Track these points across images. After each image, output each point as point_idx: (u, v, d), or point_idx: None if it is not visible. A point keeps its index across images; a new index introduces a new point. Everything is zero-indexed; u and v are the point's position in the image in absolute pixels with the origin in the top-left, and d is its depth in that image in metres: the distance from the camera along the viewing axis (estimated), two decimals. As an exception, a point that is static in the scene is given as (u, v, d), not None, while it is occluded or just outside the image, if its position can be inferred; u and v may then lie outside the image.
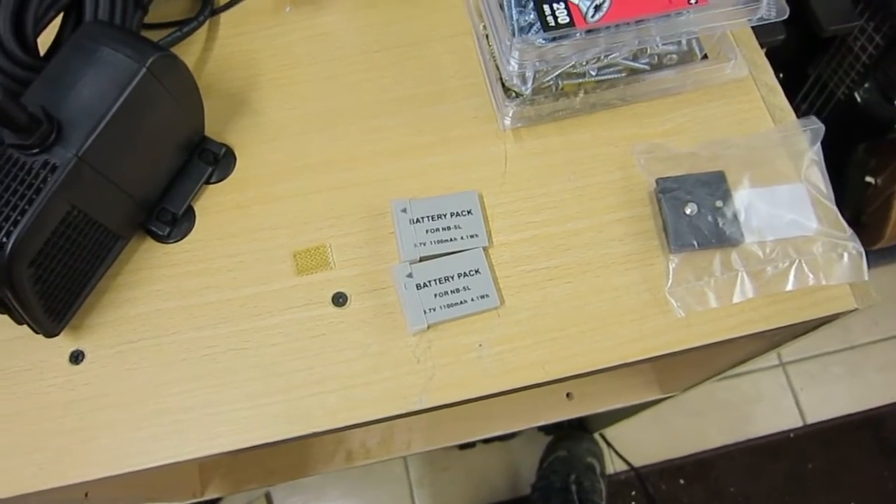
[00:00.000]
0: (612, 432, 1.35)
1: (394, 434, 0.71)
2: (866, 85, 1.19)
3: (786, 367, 1.46)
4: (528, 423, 0.74)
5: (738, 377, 1.44)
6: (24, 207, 0.36)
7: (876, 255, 1.55)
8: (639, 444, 1.36)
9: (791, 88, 1.25)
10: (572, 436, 1.29)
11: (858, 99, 1.20)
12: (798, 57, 1.25)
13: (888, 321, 1.48)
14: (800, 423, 1.41)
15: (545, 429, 1.36)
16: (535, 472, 1.32)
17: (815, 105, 1.26)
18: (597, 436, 1.33)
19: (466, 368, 0.40)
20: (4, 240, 0.36)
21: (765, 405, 1.42)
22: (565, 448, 1.28)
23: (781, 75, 1.43)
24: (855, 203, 1.35)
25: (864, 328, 1.47)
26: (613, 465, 1.36)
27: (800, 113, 1.26)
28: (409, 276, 0.40)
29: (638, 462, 1.35)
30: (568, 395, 0.74)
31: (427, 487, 1.34)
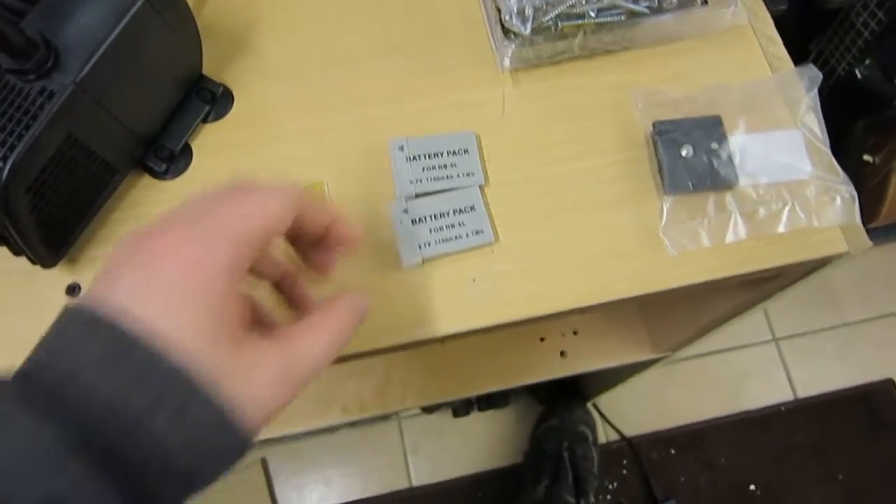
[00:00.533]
0: (605, 402, 1.36)
1: (389, 387, 0.72)
2: (867, 62, 1.18)
3: (779, 342, 1.47)
4: (522, 381, 0.74)
5: (731, 351, 1.45)
6: (20, 133, 0.36)
7: (871, 234, 1.56)
8: (631, 414, 1.37)
9: (792, 63, 1.25)
10: (565, 404, 1.31)
11: (859, 75, 1.20)
12: (800, 31, 1.25)
13: (882, 300, 1.49)
14: (791, 398, 1.42)
15: (538, 397, 1.37)
16: (527, 440, 1.33)
17: (816, 80, 1.26)
18: (590, 405, 1.34)
19: (459, 301, 0.40)
20: (1, 164, 0.36)
21: (757, 379, 1.43)
22: (558, 416, 1.29)
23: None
24: (852, 180, 1.35)
25: (858, 306, 1.48)
26: (606, 435, 1.37)
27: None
28: (405, 211, 0.41)
29: (630, 432, 1.36)
30: (562, 353, 0.75)
31: (421, 454, 1.36)
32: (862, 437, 1.39)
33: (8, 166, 0.36)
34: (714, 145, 0.42)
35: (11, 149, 0.36)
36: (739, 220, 0.41)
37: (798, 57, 1.41)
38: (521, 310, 0.40)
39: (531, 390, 1.39)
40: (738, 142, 0.43)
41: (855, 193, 0.41)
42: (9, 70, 0.37)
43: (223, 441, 0.25)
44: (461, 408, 1.32)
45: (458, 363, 0.73)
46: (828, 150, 0.43)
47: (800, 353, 1.46)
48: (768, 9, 0.49)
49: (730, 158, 0.42)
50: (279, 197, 0.28)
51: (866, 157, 1.32)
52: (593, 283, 0.41)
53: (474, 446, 1.36)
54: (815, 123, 0.43)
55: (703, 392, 1.42)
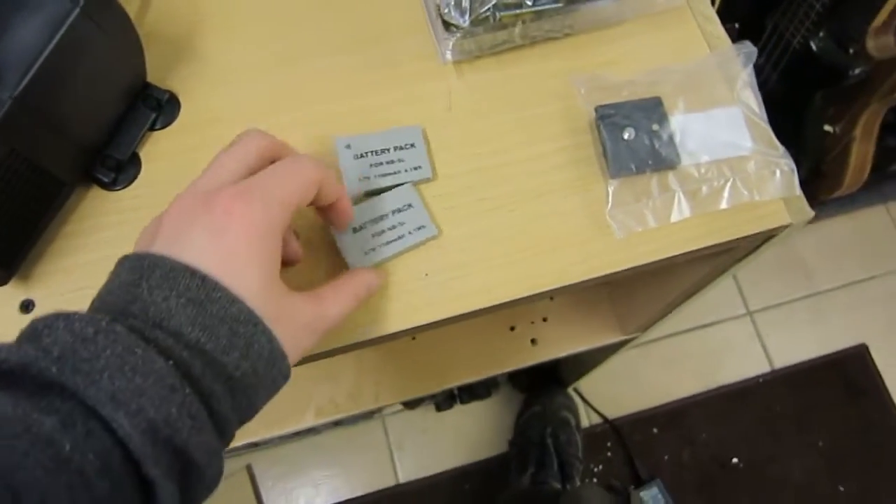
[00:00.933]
0: (585, 386, 1.38)
1: (361, 387, 0.72)
2: (821, 34, 1.20)
3: (752, 315, 1.50)
4: (495, 371, 0.75)
5: (707, 328, 1.48)
6: (-39, 152, 0.36)
7: (836, 204, 1.59)
8: (612, 396, 1.39)
9: (748, 39, 1.26)
10: (547, 391, 1.32)
11: (814, 47, 1.22)
12: (755, 8, 1.26)
13: (850, 267, 1.52)
14: (767, 369, 1.45)
15: (520, 386, 1.38)
16: (512, 430, 1.35)
17: (773, 56, 1.27)
18: (571, 391, 1.36)
19: (413, 297, 0.41)
20: (-59, 184, 0.36)
21: (733, 353, 1.46)
22: (540, 403, 1.30)
23: (737, 25, 1.44)
24: (814, 152, 1.37)
25: (828, 274, 1.51)
26: (589, 419, 1.39)
27: (757, 65, 1.28)
28: None
29: (612, 414, 1.38)
30: (532, 340, 0.76)
31: (407, 450, 1.36)
32: (839, 404, 1.42)
33: (-53, 184, 0.36)
34: (655, 126, 0.43)
35: (-49, 169, 0.36)
36: (683, 198, 0.42)
37: (754, 32, 1.42)
38: (476, 300, 0.41)
39: (512, 379, 1.40)
40: (679, 122, 0.44)
41: (794, 166, 0.42)
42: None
43: (275, 371, 0.31)
44: (444, 401, 1.33)
45: (430, 357, 0.74)
46: (766, 125, 0.44)
47: (774, 325, 1.49)
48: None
49: (671, 139, 0.43)
50: (315, 169, 0.34)
51: (827, 128, 1.34)
52: (545, 270, 0.41)
53: (459, 439, 1.37)
54: (751, 99, 0.44)
55: (680, 370, 1.44)
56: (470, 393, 1.32)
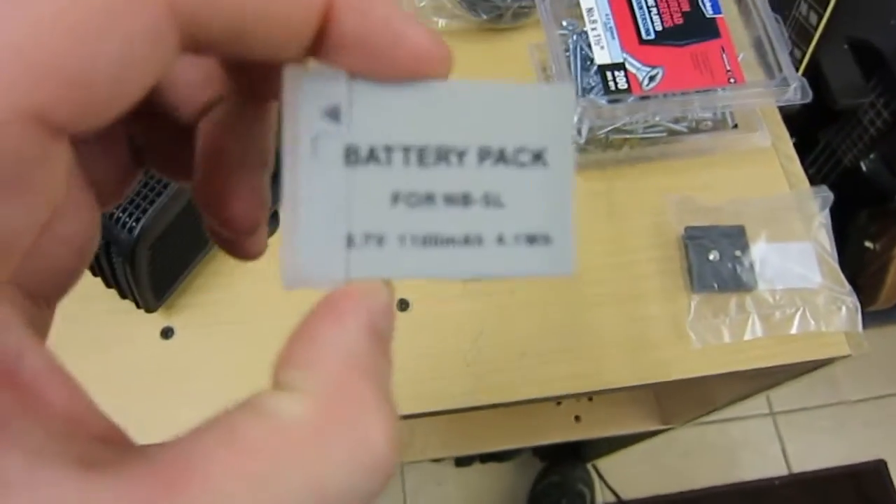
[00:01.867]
0: (603, 465, 1.40)
1: (415, 436, 0.77)
2: (872, 156, 1.26)
3: (775, 416, 1.51)
4: (537, 441, 0.79)
5: (729, 422, 1.50)
6: (152, 199, 0.43)
7: (869, 317, 1.61)
8: (629, 478, 1.41)
9: (802, 152, 1.32)
10: (566, 463, 1.34)
11: (864, 168, 1.27)
12: (811, 123, 1.33)
13: (876, 381, 1.54)
14: (785, 472, 1.46)
15: (540, 454, 1.40)
16: (527, 495, 1.37)
17: (823, 170, 1.33)
18: (589, 466, 1.38)
19: (509, 375, 0.46)
20: (134, 224, 0.42)
21: (752, 451, 1.47)
22: (559, 474, 1.33)
23: (794, 139, 1.50)
24: (853, 265, 1.42)
25: (853, 386, 1.53)
26: (603, 496, 1.40)
27: (808, 175, 1.34)
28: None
29: (626, 495, 1.39)
30: (576, 417, 0.80)
31: (421, 499, 1.39)
32: (852, 517, 1.43)
33: (139, 227, 0.42)
34: (738, 253, 0.48)
35: (144, 212, 0.43)
36: (757, 320, 0.47)
37: (808, 144, 1.48)
38: (563, 386, 0.46)
39: (534, 447, 1.42)
40: (759, 250, 0.49)
41: (858, 304, 0.48)
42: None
43: None
44: (464, 458, 1.36)
45: (478, 420, 0.78)
46: (836, 265, 0.49)
47: (795, 428, 1.50)
48: (783, 107, 0.54)
49: (751, 265, 0.48)
50: None
51: (867, 244, 1.39)
52: (626, 367, 0.47)
53: (474, 497, 1.39)
54: (825, 239, 0.50)
55: (699, 460, 1.46)
56: (491, 453, 1.35)
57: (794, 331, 0.47)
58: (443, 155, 0.14)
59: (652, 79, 0.45)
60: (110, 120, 0.11)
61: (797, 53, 1.09)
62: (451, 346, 0.47)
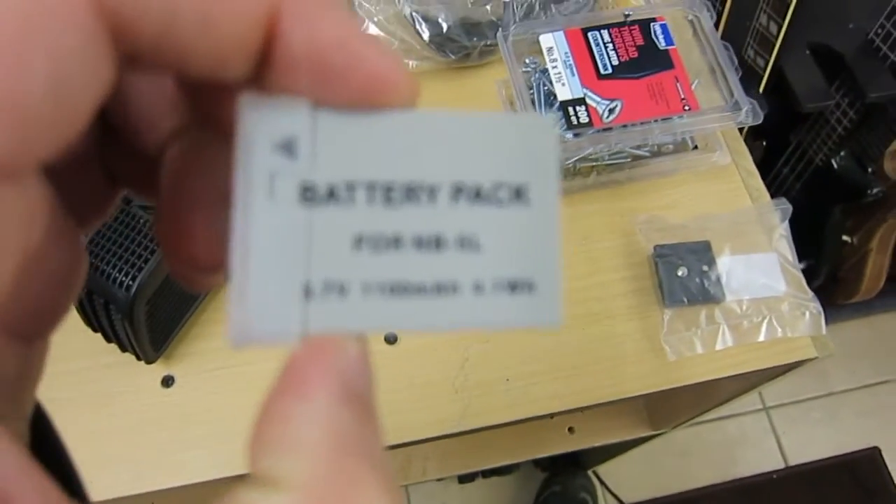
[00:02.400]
0: (604, 470, 1.42)
1: (412, 461, 0.79)
2: (842, 153, 1.30)
3: (769, 411, 1.54)
4: (533, 455, 0.82)
5: (724, 420, 1.52)
6: (146, 257, 0.45)
7: (851, 309, 1.65)
8: (630, 481, 1.43)
9: (774, 154, 1.36)
10: (567, 472, 1.36)
11: (835, 165, 1.31)
12: (781, 126, 1.37)
13: (864, 370, 1.57)
14: (782, 465, 1.48)
15: (541, 465, 1.42)
16: (530, 506, 1.39)
17: (796, 169, 1.37)
18: (590, 473, 1.40)
19: (499, 399, 0.48)
20: (130, 282, 0.45)
21: (749, 447, 1.50)
22: (560, 483, 1.35)
23: (765, 142, 1.54)
24: (832, 260, 1.45)
25: (842, 376, 1.56)
26: (605, 502, 1.42)
27: (782, 175, 1.37)
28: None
29: (628, 499, 1.42)
30: (570, 429, 0.82)
31: (427, 519, 1.40)
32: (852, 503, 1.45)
33: (136, 285, 0.45)
34: (705, 267, 0.51)
35: (139, 270, 0.45)
36: (727, 330, 0.50)
37: (780, 148, 1.52)
38: (549, 405, 0.48)
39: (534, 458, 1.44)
40: (725, 263, 0.52)
41: (821, 309, 0.50)
42: (139, 206, 0.46)
43: None
44: (467, 475, 1.37)
45: (474, 440, 0.80)
46: (798, 273, 0.52)
47: (789, 422, 1.53)
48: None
49: (718, 279, 0.51)
50: None
51: (845, 238, 1.42)
52: (607, 383, 0.49)
53: (478, 512, 1.41)
54: (787, 249, 0.53)
55: (696, 459, 1.48)
56: (492, 468, 1.37)
57: (762, 338, 0.50)
58: (412, 192, 0.12)
59: (611, 111, 0.48)
60: (60, 149, 0.10)
61: (760, 62, 1.13)
62: (440, 373, 0.49)
